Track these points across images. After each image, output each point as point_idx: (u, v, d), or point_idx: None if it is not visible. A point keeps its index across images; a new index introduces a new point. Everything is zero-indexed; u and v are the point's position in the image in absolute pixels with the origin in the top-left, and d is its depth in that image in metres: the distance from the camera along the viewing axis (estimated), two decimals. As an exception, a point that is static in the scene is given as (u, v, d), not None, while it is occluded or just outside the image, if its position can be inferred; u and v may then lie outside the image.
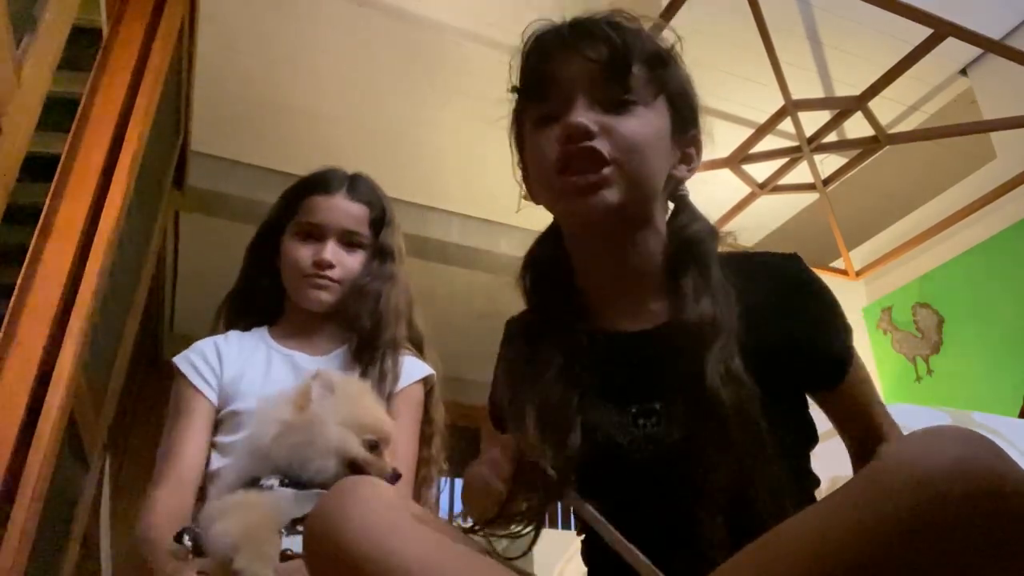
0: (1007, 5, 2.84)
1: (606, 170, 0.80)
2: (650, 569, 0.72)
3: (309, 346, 1.33)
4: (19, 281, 1.52)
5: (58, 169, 1.68)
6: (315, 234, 1.32)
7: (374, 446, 1.04)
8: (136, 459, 3.38)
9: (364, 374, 1.24)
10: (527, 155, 0.90)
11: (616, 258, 0.88)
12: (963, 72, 3.09)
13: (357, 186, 1.37)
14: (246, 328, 1.37)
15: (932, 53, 2.49)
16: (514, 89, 0.90)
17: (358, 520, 0.66)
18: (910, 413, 1.75)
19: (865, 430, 0.87)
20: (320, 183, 1.37)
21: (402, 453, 1.23)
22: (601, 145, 0.80)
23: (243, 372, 1.27)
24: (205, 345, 1.31)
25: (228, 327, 1.37)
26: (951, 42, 2.44)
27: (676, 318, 0.82)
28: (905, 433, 0.81)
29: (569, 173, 0.82)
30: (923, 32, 2.43)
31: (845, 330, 0.86)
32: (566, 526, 5.17)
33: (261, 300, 1.38)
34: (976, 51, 2.86)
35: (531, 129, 0.87)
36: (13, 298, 1.50)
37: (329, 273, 1.30)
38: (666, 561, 0.74)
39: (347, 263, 1.32)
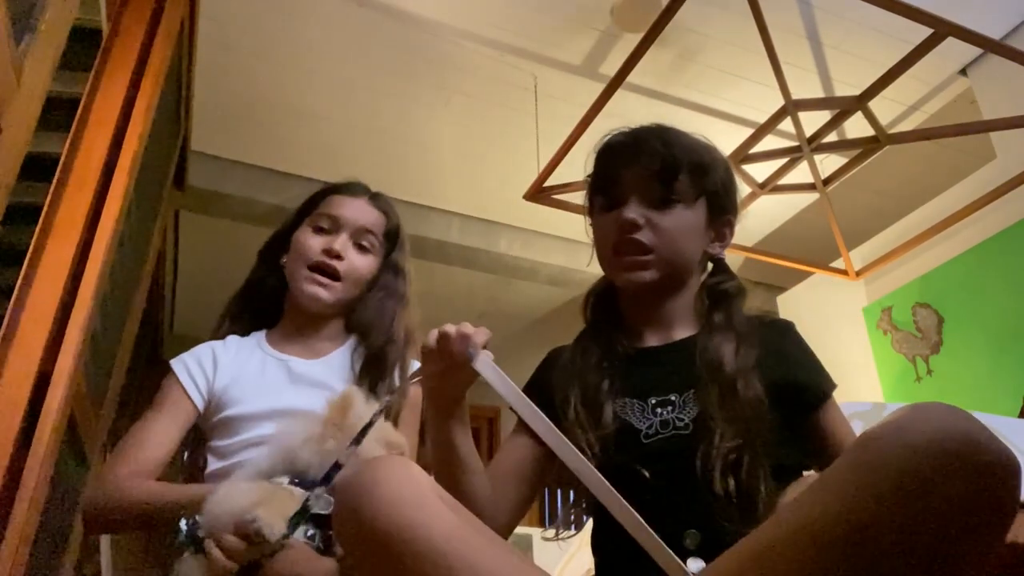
0: (1007, 5, 2.84)
1: (647, 256, 1.04)
2: (667, 555, 0.73)
3: (304, 349, 1.33)
4: (19, 281, 1.52)
5: (58, 169, 1.68)
6: (330, 227, 1.33)
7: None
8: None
9: (373, 388, 1.25)
10: (593, 231, 1.13)
11: (652, 309, 1.09)
12: (963, 72, 3.09)
13: (379, 198, 1.41)
14: (245, 332, 1.37)
15: (932, 53, 2.49)
16: (589, 177, 1.14)
17: (387, 494, 0.70)
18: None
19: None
20: (343, 186, 1.40)
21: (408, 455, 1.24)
22: (645, 235, 1.04)
23: (237, 378, 1.27)
24: (203, 351, 1.31)
25: (231, 327, 1.37)
26: (951, 42, 2.44)
27: (704, 338, 1.01)
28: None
29: (620, 254, 1.06)
30: (923, 32, 2.43)
31: (824, 376, 1.04)
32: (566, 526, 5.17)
33: (264, 302, 1.38)
34: (976, 51, 2.87)
35: (597, 213, 1.11)
36: (13, 298, 1.50)
37: (335, 263, 1.30)
38: (672, 533, 0.81)
39: (355, 261, 1.33)
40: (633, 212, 1.04)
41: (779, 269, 3.36)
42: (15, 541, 1.36)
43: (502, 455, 1.05)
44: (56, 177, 1.66)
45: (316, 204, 1.38)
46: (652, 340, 1.07)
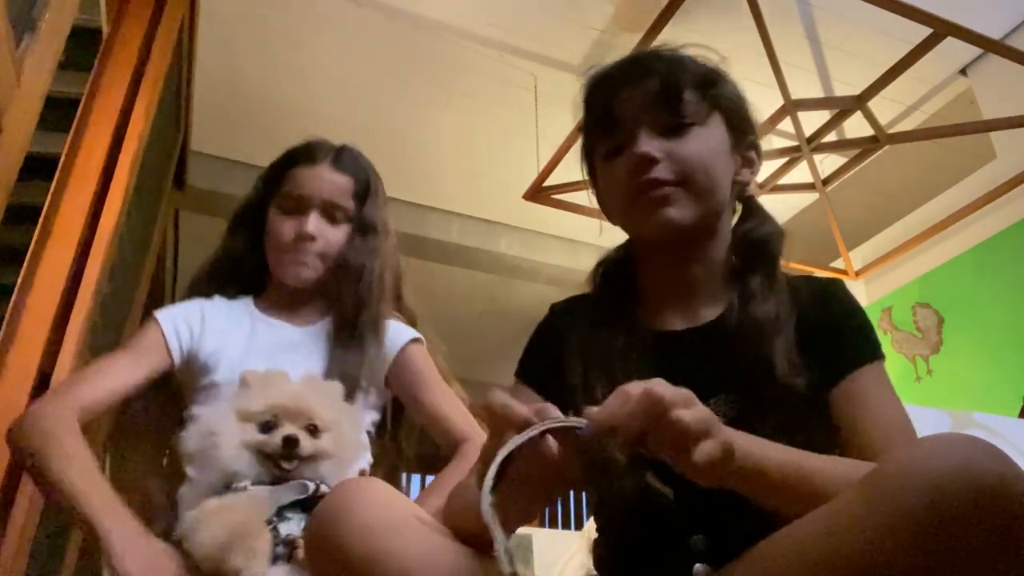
0: (1007, 5, 2.84)
1: (671, 189, 0.88)
2: None
3: (295, 317, 1.31)
4: (19, 281, 1.52)
5: (58, 169, 1.68)
6: (298, 207, 1.29)
7: (270, 426, 1.02)
8: (136, 459, 3.37)
9: (344, 356, 1.22)
10: (600, 184, 0.98)
11: (679, 268, 0.94)
12: (963, 72, 3.09)
13: (342, 157, 1.35)
14: (231, 296, 1.33)
15: (932, 53, 2.49)
16: (579, 128, 0.99)
17: (358, 520, 0.66)
18: (910, 413, 1.75)
19: (859, 443, 0.82)
20: (304, 154, 1.34)
21: (450, 410, 1.24)
22: (666, 169, 0.88)
23: (226, 343, 1.24)
24: (191, 307, 1.28)
25: (212, 291, 1.33)
26: (951, 42, 2.44)
27: (742, 312, 0.88)
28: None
29: (640, 195, 0.89)
30: (923, 32, 2.43)
31: (871, 337, 0.90)
32: (566, 526, 5.17)
33: (247, 270, 1.35)
34: (976, 51, 2.87)
35: (602, 161, 0.95)
36: (13, 298, 1.50)
37: (311, 247, 1.27)
38: (678, 536, 0.77)
39: (329, 236, 1.29)
40: (646, 146, 0.88)
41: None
42: (14, 541, 1.36)
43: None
44: (56, 177, 1.67)
45: (280, 181, 1.33)
46: (675, 321, 0.93)
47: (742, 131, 0.96)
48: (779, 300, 0.87)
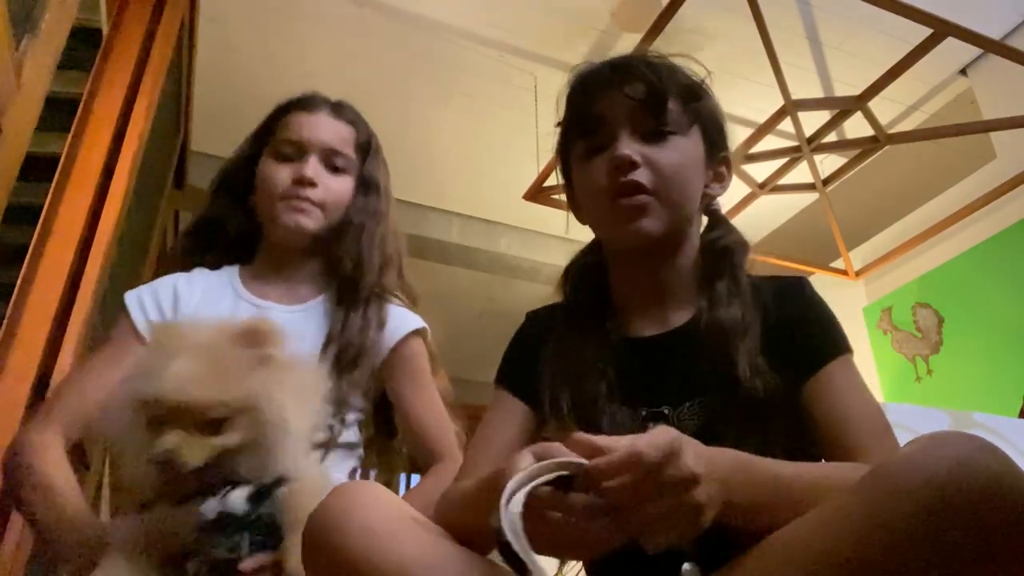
0: (1007, 5, 2.84)
1: (647, 198, 0.89)
2: None
3: (285, 293, 1.19)
4: (19, 281, 1.52)
5: (58, 169, 1.68)
6: (295, 153, 1.18)
7: (162, 421, 0.79)
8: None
9: (345, 321, 1.13)
10: (576, 183, 0.98)
11: (650, 274, 0.95)
12: (963, 72, 3.10)
13: (342, 108, 1.26)
14: (214, 265, 1.23)
15: (932, 53, 2.49)
16: (559, 125, 0.99)
17: (357, 523, 0.66)
18: (910, 413, 1.76)
19: (834, 439, 0.81)
20: (300, 101, 1.24)
21: (432, 422, 1.16)
22: (644, 176, 0.89)
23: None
24: (162, 284, 1.18)
25: (193, 262, 1.23)
26: (951, 42, 2.44)
27: (709, 316, 0.89)
28: (904, 433, 0.82)
29: (617, 199, 0.90)
30: (923, 32, 2.43)
31: (836, 332, 0.89)
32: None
33: (232, 233, 1.24)
34: (976, 51, 2.87)
35: (579, 160, 0.96)
36: (13, 298, 1.50)
37: (310, 193, 1.16)
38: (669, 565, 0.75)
39: (331, 185, 1.19)
40: (627, 148, 0.89)
41: (779, 270, 3.36)
42: (14, 541, 1.36)
43: (492, 442, 0.92)
44: (56, 177, 1.66)
45: (273, 129, 1.22)
46: (647, 327, 0.94)
47: (718, 147, 0.98)
48: (743, 304, 0.89)
